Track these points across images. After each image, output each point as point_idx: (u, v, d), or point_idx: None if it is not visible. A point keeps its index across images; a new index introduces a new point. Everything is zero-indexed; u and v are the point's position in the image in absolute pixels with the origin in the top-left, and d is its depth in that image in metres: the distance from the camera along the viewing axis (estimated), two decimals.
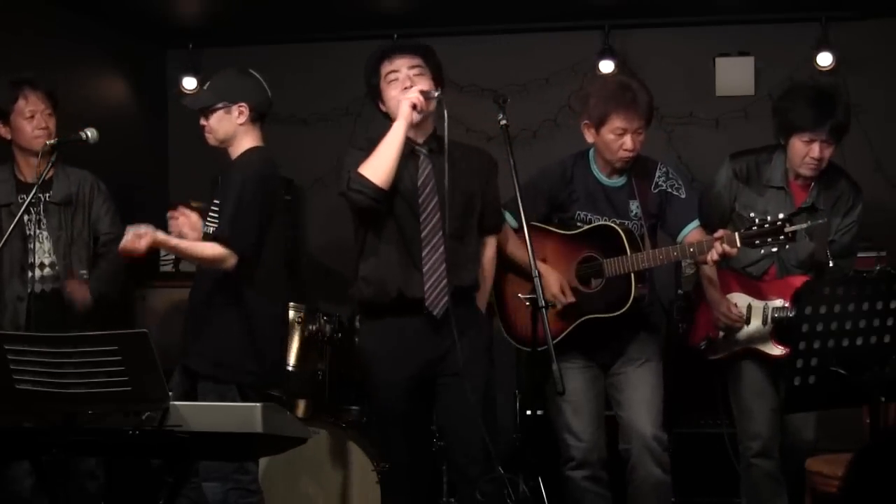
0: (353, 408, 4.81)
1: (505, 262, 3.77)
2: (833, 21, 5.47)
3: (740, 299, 3.87)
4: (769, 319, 3.80)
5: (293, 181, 5.92)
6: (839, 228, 3.88)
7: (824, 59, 5.42)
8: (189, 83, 5.97)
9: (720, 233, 3.53)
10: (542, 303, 3.08)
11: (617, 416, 3.82)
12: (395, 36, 5.81)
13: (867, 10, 5.44)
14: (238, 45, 6.06)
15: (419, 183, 3.41)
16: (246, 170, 3.61)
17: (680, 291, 4.97)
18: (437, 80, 3.49)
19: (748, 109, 5.50)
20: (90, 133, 3.81)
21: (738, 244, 3.47)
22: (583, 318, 3.71)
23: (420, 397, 3.51)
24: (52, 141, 3.88)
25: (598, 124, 3.69)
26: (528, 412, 4.90)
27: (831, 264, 3.65)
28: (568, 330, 3.73)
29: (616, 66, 5.61)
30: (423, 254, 3.38)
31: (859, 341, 2.93)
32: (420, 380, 3.47)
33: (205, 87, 3.79)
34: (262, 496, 3.73)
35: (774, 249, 3.48)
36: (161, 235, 3.48)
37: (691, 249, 3.60)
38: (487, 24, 5.64)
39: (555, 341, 3.60)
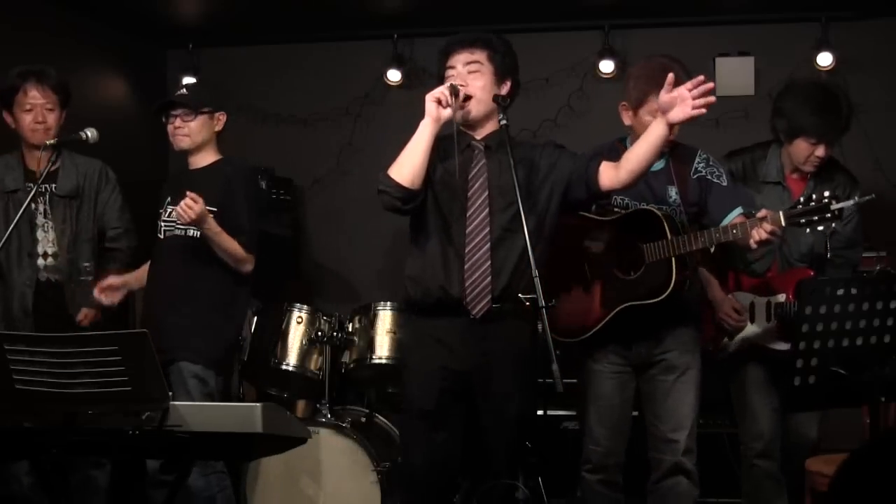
0: (354, 408, 4.81)
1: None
2: (833, 21, 5.46)
3: (743, 297, 3.86)
4: (772, 315, 3.78)
5: (293, 181, 5.92)
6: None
7: (824, 59, 5.42)
8: (189, 83, 5.96)
9: (763, 212, 3.41)
10: (542, 303, 3.02)
11: (649, 424, 3.68)
12: (395, 36, 5.84)
13: (867, 10, 5.43)
14: (238, 45, 6.07)
15: (469, 177, 3.33)
16: (243, 177, 3.90)
17: None
18: (503, 76, 3.37)
19: (748, 109, 5.48)
20: (90, 133, 3.82)
21: (783, 223, 3.35)
22: (623, 306, 3.56)
23: (453, 402, 3.38)
24: (51, 141, 3.89)
25: (637, 106, 3.57)
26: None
27: (829, 255, 3.62)
28: (608, 318, 3.59)
29: (616, 66, 5.61)
30: (467, 250, 3.28)
31: (859, 341, 2.93)
32: (455, 385, 3.35)
33: (188, 90, 3.97)
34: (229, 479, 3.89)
35: (820, 228, 3.32)
36: (211, 219, 3.65)
37: (734, 231, 3.45)
38: (487, 24, 5.58)
39: (594, 329, 3.60)
